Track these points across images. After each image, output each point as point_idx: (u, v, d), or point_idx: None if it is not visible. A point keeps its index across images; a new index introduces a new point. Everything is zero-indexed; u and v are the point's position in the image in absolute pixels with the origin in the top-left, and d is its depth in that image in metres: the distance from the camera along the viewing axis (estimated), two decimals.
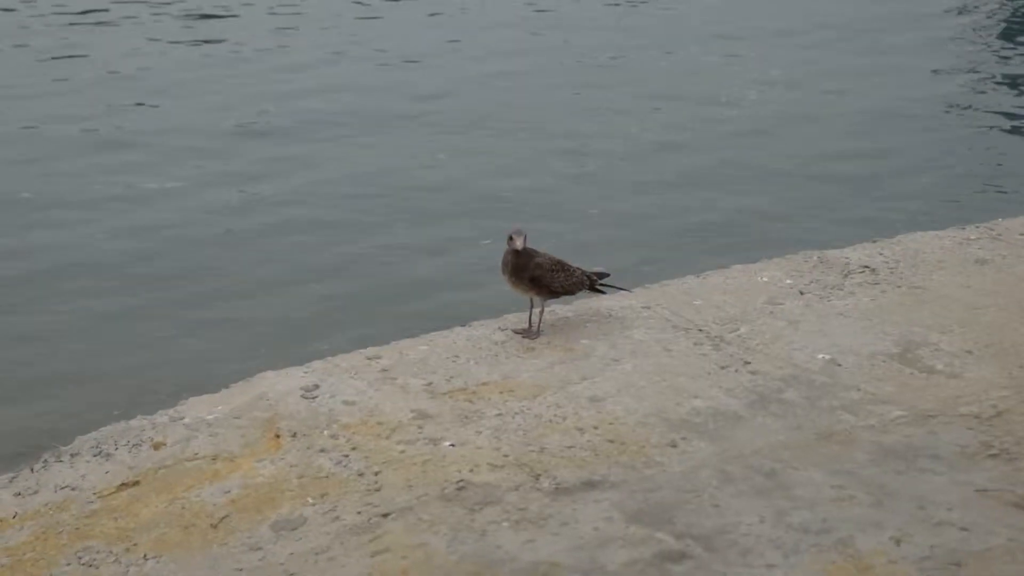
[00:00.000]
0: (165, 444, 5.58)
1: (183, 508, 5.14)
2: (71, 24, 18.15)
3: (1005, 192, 12.43)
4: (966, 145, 13.92)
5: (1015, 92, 15.89)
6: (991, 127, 14.55)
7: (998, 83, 16.23)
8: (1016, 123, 14.71)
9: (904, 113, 14.82)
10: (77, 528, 5.09)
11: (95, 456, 5.54)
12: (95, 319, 9.71)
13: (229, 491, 5.21)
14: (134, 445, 5.59)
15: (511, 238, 6.26)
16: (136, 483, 5.33)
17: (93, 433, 5.73)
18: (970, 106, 15.28)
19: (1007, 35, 18.76)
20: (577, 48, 17.36)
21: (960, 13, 19.68)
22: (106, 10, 18.77)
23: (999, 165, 13.31)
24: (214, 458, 5.45)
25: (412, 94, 15.30)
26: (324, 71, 16.22)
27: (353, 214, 11.80)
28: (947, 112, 15.04)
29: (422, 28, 18.50)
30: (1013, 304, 6.64)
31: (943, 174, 12.95)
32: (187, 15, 18.70)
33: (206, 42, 17.34)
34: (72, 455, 5.57)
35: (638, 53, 17.16)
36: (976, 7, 20.19)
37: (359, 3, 19.86)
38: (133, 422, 5.77)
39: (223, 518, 5.05)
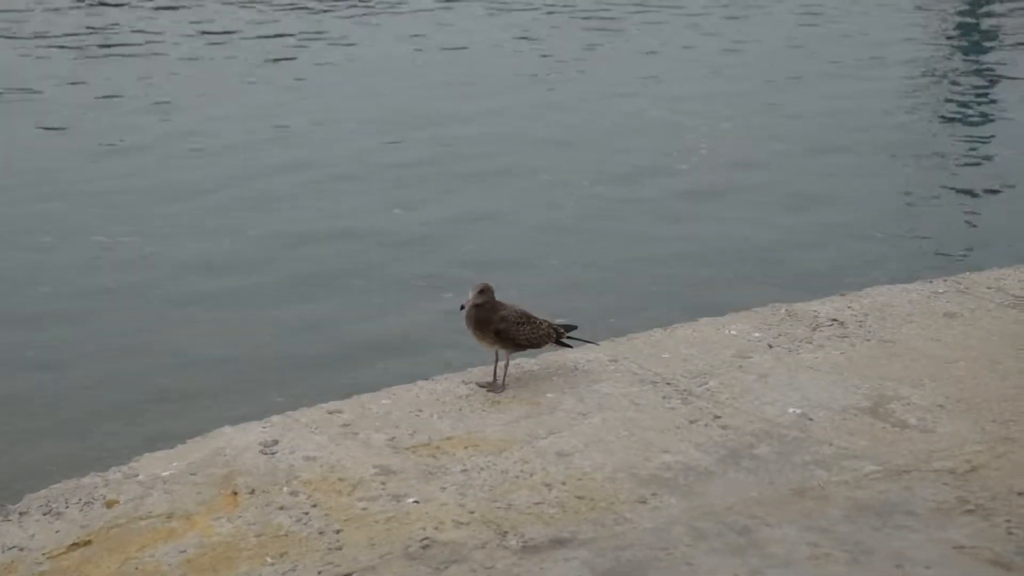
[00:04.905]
0: (118, 502, 5.39)
1: (136, 569, 4.94)
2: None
3: (970, 245, 12.44)
4: (929, 198, 13.97)
5: (978, 141, 16.00)
6: (953, 179, 14.62)
7: (961, 132, 16.35)
8: (978, 176, 14.80)
9: (864, 165, 14.88)
10: None
11: (45, 515, 5.34)
12: (43, 372, 9.51)
13: (185, 551, 5.02)
14: (86, 503, 5.40)
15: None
16: (88, 543, 5.14)
17: (43, 491, 5.53)
18: (931, 157, 15.37)
19: (967, 83, 18.95)
20: (533, 101, 17.38)
21: (917, 61, 19.90)
22: None
23: (964, 218, 13.36)
24: (169, 516, 5.27)
25: (365, 150, 15.22)
26: (275, 126, 16.13)
27: (311, 267, 11.67)
28: (908, 165, 15.11)
29: (382, 77, 18.53)
30: (983, 358, 6.57)
31: (907, 228, 12.98)
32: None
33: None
34: (20, 514, 5.37)
35: (590, 105, 17.19)
36: (935, 56, 20.44)
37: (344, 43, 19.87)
38: (85, 479, 5.58)
39: None
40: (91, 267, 11.56)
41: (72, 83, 17.59)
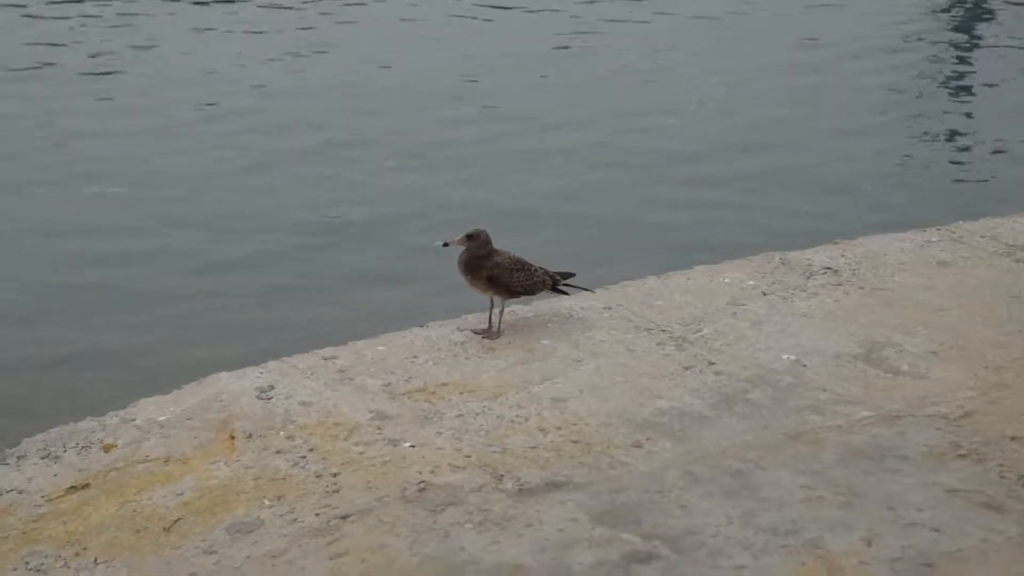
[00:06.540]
0: (116, 446, 5.42)
1: (134, 511, 4.98)
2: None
3: (964, 195, 12.43)
4: (923, 149, 13.96)
5: (969, 96, 15.98)
6: (945, 131, 14.61)
7: (952, 87, 16.32)
8: (971, 128, 14.78)
9: (857, 120, 14.84)
10: (24, 532, 4.92)
11: (43, 459, 5.37)
12: (40, 318, 9.49)
13: (182, 493, 5.06)
14: (83, 447, 5.43)
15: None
16: (86, 486, 5.17)
17: (40, 435, 5.56)
18: (924, 110, 15.34)
19: (960, 40, 18.90)
20: (528, 56, 17.30)
21: (911, 20, 19.82)
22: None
23: (957, 169, 13.36)
24: (166, 460, 5.30)
25: (364, 103, 15.15)
26: (282, 77, 16.04)
27: (308, 217, 11.64)
28: (901, 118, 15.08)
29: (380, 37, 18.42)
30: (976, 305, 6.61)
31: (900, 178, 12.97)
32: None
33: None
34: (19, 457, 5.40)
35: (589, 62, 17.12)
36: (929, 19, 20.36)
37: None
38: (82, 423, 5.62)
39: (176, 521, 4.90)
40: (83, 216, 11.53)
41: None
